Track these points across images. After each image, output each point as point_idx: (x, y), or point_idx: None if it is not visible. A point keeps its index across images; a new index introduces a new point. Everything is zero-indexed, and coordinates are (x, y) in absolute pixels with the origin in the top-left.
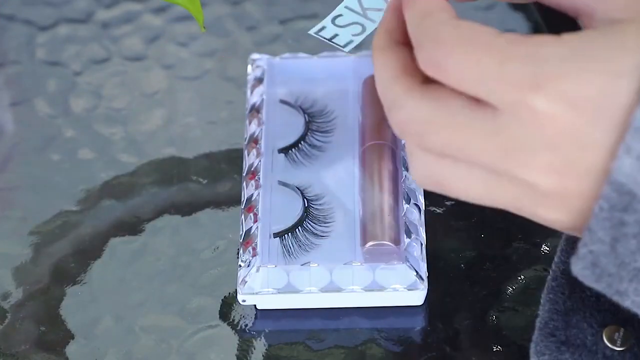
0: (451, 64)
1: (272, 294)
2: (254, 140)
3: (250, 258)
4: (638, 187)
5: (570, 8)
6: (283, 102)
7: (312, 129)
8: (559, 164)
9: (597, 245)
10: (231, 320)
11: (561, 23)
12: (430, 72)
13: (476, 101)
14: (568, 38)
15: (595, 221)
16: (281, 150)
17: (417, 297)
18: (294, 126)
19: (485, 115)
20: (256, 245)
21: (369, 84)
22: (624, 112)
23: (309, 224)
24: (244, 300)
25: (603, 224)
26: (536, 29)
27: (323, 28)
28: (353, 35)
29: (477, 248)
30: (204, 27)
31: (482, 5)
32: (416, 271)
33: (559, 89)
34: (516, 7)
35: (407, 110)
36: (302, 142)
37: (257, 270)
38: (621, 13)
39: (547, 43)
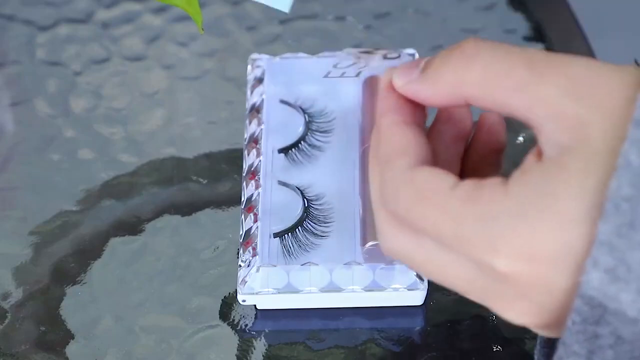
0: (412, 219)
1: (272, 294)
2: (254, 140)
3: (250, 258)
4: (608, 300)
5: (523, 119)
6: (283, 102)
7: (312, 129)
8: (532, 310)
9: (573, 358)
10: (231, 320)
11: (561, 22)
12: (399, 219)
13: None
14: (516, 190)
15: (569, 334)
16: (281, 150)
17: (417, 297)
18: (294, 126)
19: (458, 257)
20: (256, 245)
21: (369, 84)
22: (582, 257)
23: (309, 224)
24: (244, 300)
25: (577, 337)
26: (536, 29)
27: None
28: None
29: None
30: (203, 29)
31: (482, 5)
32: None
33: (514, 248)
34: (516, 7)
35: (390, 243)
36: (302, 142)
37: (257, 270)
38: (568, 137)
39: (496, 199)
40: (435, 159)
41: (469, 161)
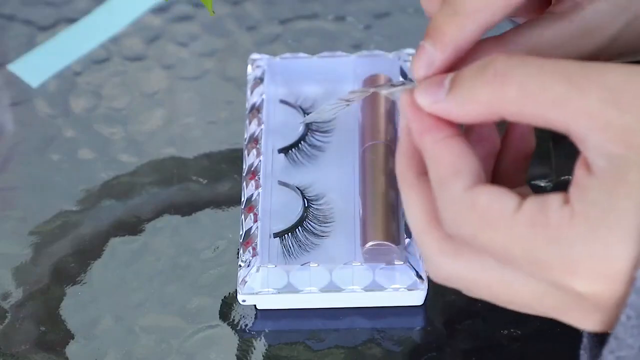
0: (478, 245)
1: (272, 294)
2: (254, 140)
3: (250, 258)
4: None
5: (564, 132)
6: (283, 102)
7: (312, 129)
8: (606, 319)
9: (626, 351)
10: (231, 320)
11: None
12: (458, 242)
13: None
14: (581, 210)
15: (623, 329)
16: (281, 150)
17: (417, 297)
18: (294, 126)
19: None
20: (256, 245)
21: (369, 84)
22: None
23: (309, 224)
24: (244, 300)
25: (632, 332)
26: None
27: None
28: None
29: None
30: (213, 12)
31: None
32: (416, 271)
33: (592, 270)
34: None
35: (445, 270)
36: (302, 142)
37: (257, 270)
38: (619, 147)
39: (564, 223)
40: None
41: (499, 169)
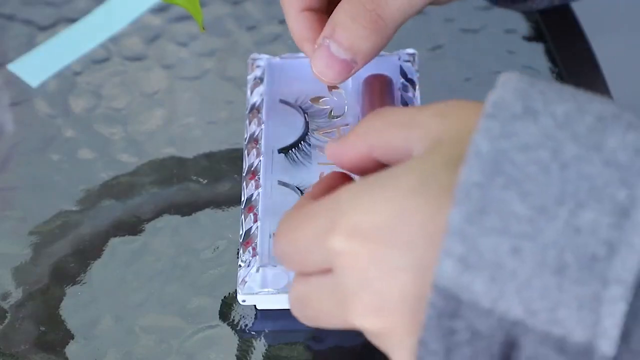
0: (279, 253)
1: (272, 294)
2: (254, 140)
3: (250, 258)
4: (461, 290)
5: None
6: (283, 102)
7: (312, 128)
8: (375, 302)
9: (432, 358)
10: (231, 320)
11: (561, 22)
12: (286, 267)
13: (324, 270)
14: (369, 177)
15: (427, 333)
16: (281, 150)
17: None
18: (294, 126)
19: (328, 278)
20: (256, 245)
21: (369, 84)
22: (420, 228)
23: None
24: (243, 301)
25: (435, 334)
26: (536, 29)
27: None
28: None
29: None
30: (204, 28)
31: (482, 5)
32: None
33: (349, 225)
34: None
35: (292, 289)
36: (302, 142)
37: (257, 271)
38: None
39: (347, 186)
40: None
41: None
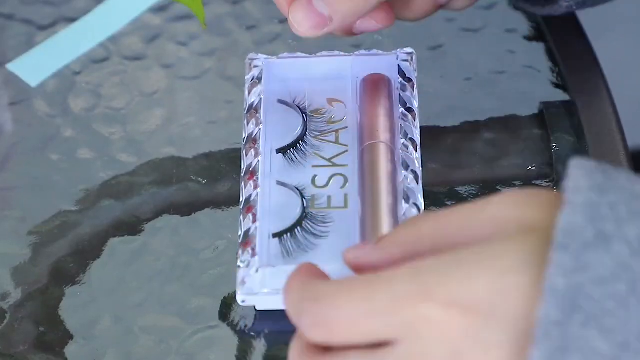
0: (337, 314)
1: (272, 294)
2: (252, 140)
3: (250, 258)
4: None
5: None
6: (281, 102)
7: (310, 128)
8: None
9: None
10: (230, 320)
11: (562, 23)
12: (319, 335)
13: (370, 347)
14: (446, 253)
15: None
16: (279, 150)
17: None
18: (292, 126)
19: (384, 353)
20: (255, 245)
21: (368, 84)
22: (519, 308)
23: (308, 224)
24: (243, 301)
25: None
26: (536, 29)
27: None
28: None
29: None
30: (205, 25)
31: (482, 5)
32: None
33: (448, 295)
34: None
35: None
36: (300, 142)
37: (257, 271)
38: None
39: (425, 259)
40: None
41: None
